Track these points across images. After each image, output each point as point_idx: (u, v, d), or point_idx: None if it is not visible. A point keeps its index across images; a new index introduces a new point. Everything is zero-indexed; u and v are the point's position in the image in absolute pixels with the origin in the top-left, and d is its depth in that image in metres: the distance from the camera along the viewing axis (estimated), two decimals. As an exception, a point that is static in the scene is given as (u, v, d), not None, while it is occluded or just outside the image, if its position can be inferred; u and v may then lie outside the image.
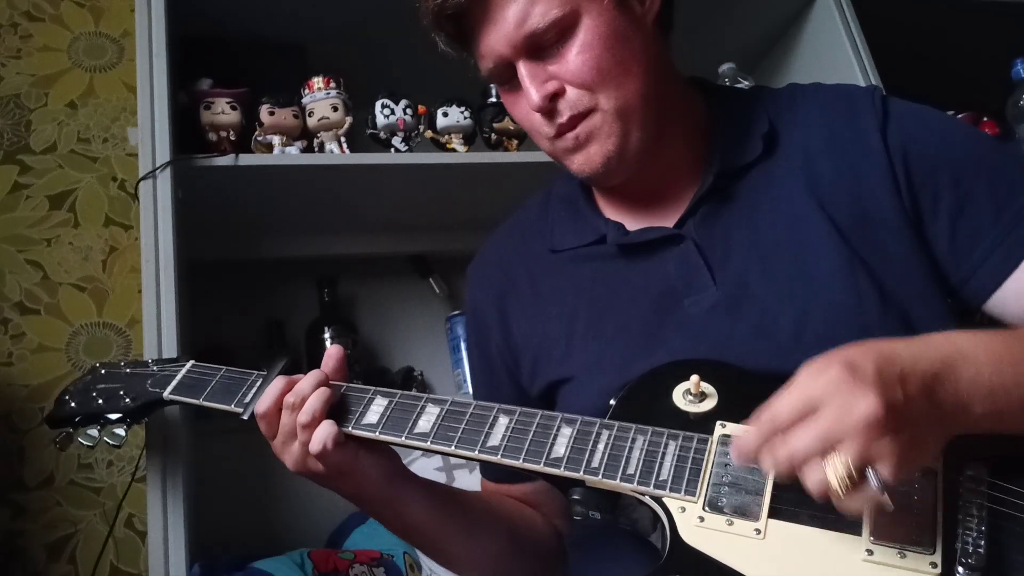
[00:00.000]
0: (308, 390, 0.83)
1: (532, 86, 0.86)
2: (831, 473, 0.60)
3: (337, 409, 0.85)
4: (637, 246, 0.93)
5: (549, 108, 0.87)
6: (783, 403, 0.64)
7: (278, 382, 0.85)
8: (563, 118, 0.87)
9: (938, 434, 0.66)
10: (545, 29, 0.84)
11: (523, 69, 0.86)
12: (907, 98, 0.95)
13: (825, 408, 0.62)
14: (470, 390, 1.35)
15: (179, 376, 0.97)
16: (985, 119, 1.76)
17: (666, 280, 0.90)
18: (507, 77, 0.89)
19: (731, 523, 0.71)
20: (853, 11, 1.77)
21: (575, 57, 0.85)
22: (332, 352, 0.89)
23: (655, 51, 0.90)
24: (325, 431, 0.81)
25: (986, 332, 0.73)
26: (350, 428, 0.84)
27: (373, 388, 0.88)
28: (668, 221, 0.94)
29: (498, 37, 0.86)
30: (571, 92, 0.86)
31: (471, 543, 0.96)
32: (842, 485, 0.60)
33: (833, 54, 1.77)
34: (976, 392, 0.67)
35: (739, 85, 1.69)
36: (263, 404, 0.84)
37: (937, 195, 0.86)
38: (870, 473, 0.60)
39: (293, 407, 0.82)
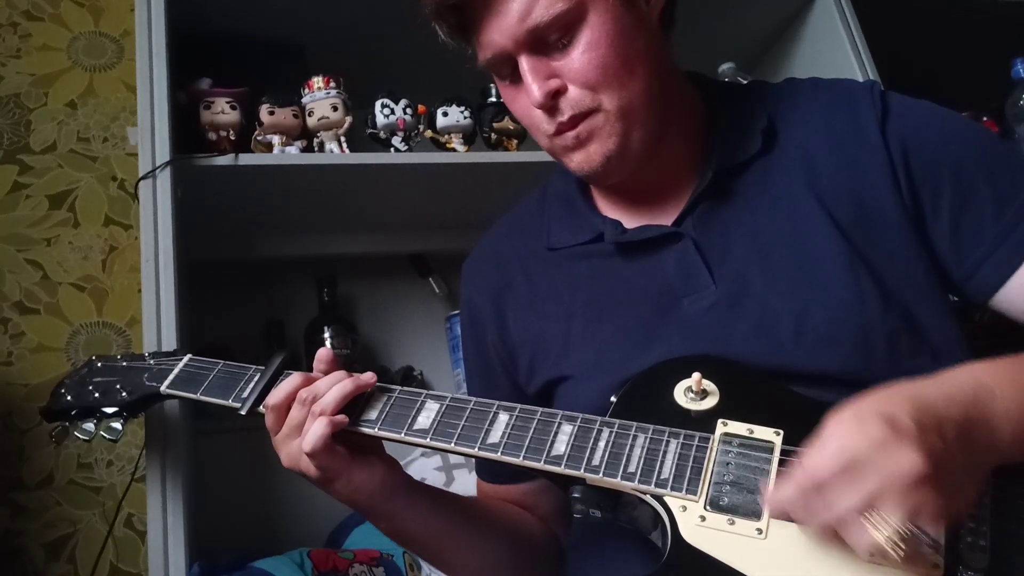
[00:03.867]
0: (325, 388, 0.83)
1: (534, 82, 0.84)
2: (878, 534, 0.59)
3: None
4: (635, 244, 0.92)
5: (550, 105, 0.85)
6: (822, 460, 0.61)
7: (295, 378, 0.85)
8: (564, 117, 0.85)
9: (976, 477, 0.66)
10: (549, 23, 0.82)
11: (525, 64, 0.85)
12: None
13: (868, 466, 0.60)
14: (470, 390, 1.35)
15: (176, 370, 0.97)
16: (985, 118, 1.76)
17: (665, 279, 0.89)
18: (507, 71, 0.88)
19: (733, 522, 0.70)
20: (853, 11, 1.76)
21: (580, 55, 0.83)
22: (321, 356, 0.89)
23: (658, 49, 0.89)
24: (318, 431, 0.80)
25: (1006, 361, 0.72)
26: (349, 424, 0.84)
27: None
28: (666, 219, 0.93)
29: (500, 30, 0.84)
30: (573, 91, 0.85)
31: (470, 553, 0.95)
32: (897, 549, 0.59)
33: (833, 53, 1.77)
34: (1006, 425, 0.67)
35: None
36: (276, 396, 0.84)
37: (938, 191, 0.86)
38: (919, 534, 0.59)
39: (306, 402, 0.82)
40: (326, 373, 0.87)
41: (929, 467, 0.59)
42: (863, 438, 0.61)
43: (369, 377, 0.86)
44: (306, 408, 0.82)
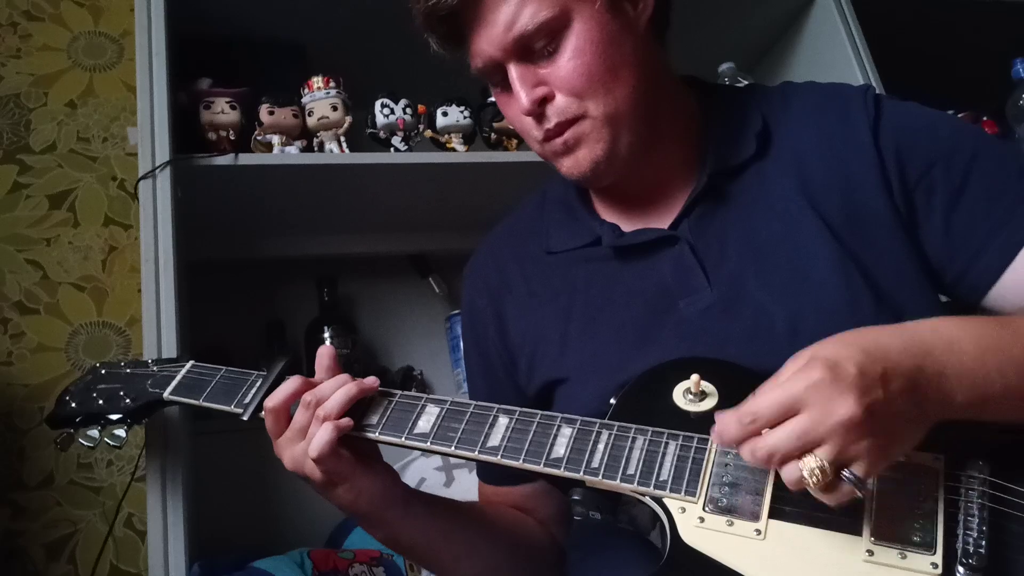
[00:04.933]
0: (329, 391, 0.83)
1: (522, 90, 0.85)
2: (806, 471, 0.62)
3: None
4: (632, 247, 0.93)
5: (538, 112, 0.86)
6: (765, 399, 0.65)
7: (294, 380, 0.85)
8: (550, 124, 0.87)
9: (918, 428, 0.67)
10: (534, 31, 0.83)
11: (513, 72, 0.86)
12: (907, 97, 0.94)
13: (805, 409, 0.63)
14: (470, 390, 1.35)
15: (179, 376, 0.97)
16: (985, 119, 1.76)
17: (661, 281, 0.90)
18: (498, 78, 0.89)
19: (731, 523, 0.71)
20: (853, 11, 1.77)
21: (565, 63, 0.84)
22: (324, 353, 0.89)
23: (647, 54, 0.89)
24: (324, 436, 0.80)
25: (974, 319, 0.74)
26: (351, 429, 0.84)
27: (373, 388, 0.88)
28: (663, 222, 0.94)
29: (488, 40, 0.85)
30: (560, 99, 0.86)
31: (468, 560, 0.96)
32: (816, 482, 0.62)
33: (833, 54, 1.77)
34: (960, 382, 0.68)
35: (738, 85, 1.69)
36: (275, 399, 0.84)
37: (931, 192, 0.86)
38: (845, 473, 0.62)
39: (310, 405, 0.82)
40: (328, 371, 0.88)
41: (862, 414, 0.61)
42: (804, 380, 0.63)
43: (372, 381, 0.86)
44: (310, 412, 0.82)
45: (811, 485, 0.62)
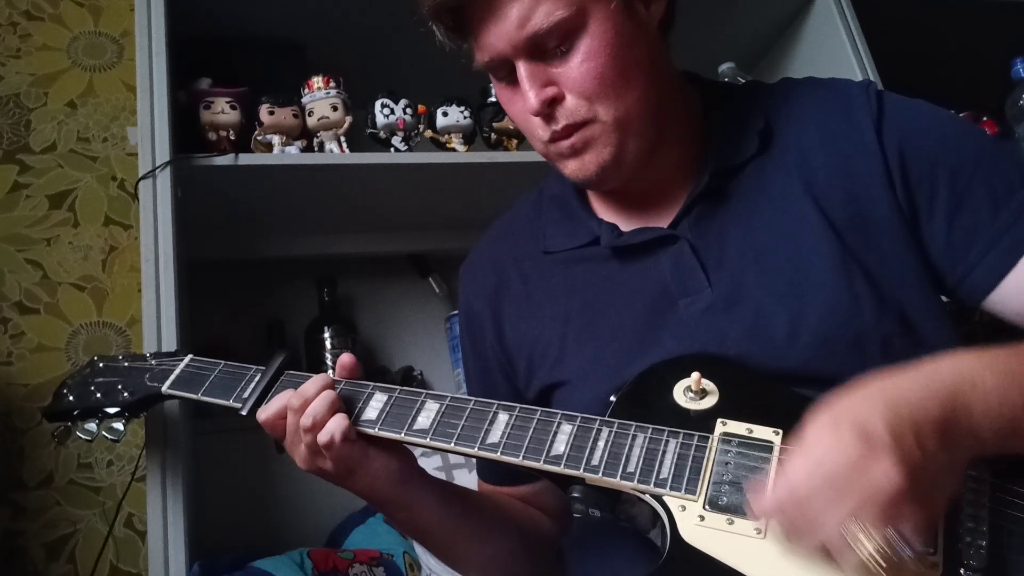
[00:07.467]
0: (312, 393, 0.82)
1: (531, 89, 0.84)
2: (861, 551, 0.60)
3: None
4: (631, 247, 0.92)
5: (547, 113, 0.85)
6: (802, 480, 0.62)
7: (283, 396, 0.85)
8: (559, 126, 0.85)
9: (954, 472, 0.66)
10: (548, 30, 0.81)
11: (523, 70, 0.84)
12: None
13: (845, 485, 0.60)
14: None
15: (177, 370, 0.97)
16: (984, 118, 1.76)
17: (661, 281, 0.89)
18: (504, 72, 0.87)
19: (732, 522, 0.70)
20: (853, 10, 1.77)
21: (578, 65, 0.83)
22: (345, 363, 0.89)
23: (657, 56, 0.88)
24: (335, 424, 0.80)
25: (992, 353, 0.72)
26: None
27: (372, 384, 0.87)
28: (662, 221, 0.93)
29: (499, 35, 0.83)
30: (570, 100, 0.84)
31: (482, 545, 0.95)
32: (873, 563, 0.60)
33: (833, 53, 1.77)
34: (987, 418, 0.67)
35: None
36: (265, 414, 0.84)
37: (934, 192, 0.85)
38: (898, 541, 0.60)
39: (297, 410, 0.82)
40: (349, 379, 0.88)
41: (906, 480, 0.60)
42: (839, 454, 0.61)
43: (347, 360, 0.88)
44: (298, 415, 0.82)
45: (874, 566, 0.60)
